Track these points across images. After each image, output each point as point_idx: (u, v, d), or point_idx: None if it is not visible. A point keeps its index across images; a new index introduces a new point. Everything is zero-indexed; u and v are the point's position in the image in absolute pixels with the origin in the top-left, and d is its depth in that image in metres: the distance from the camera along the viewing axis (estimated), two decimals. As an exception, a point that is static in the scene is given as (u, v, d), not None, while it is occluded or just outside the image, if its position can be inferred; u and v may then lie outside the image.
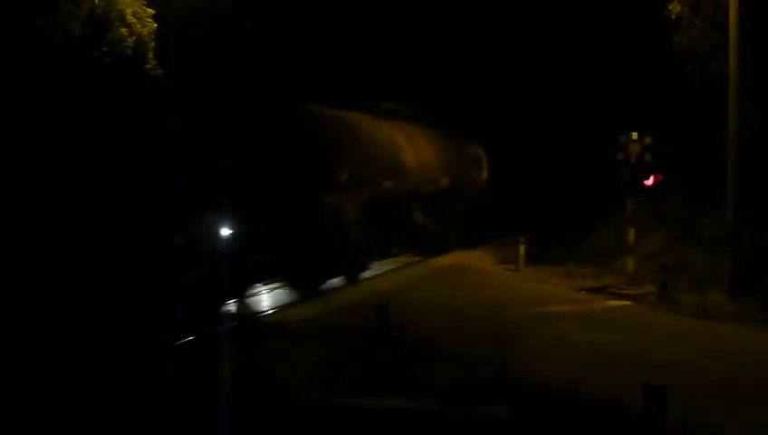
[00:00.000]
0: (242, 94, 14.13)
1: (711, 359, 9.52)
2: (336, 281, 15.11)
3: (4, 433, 6.86)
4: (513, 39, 29.11)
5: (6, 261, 9.96)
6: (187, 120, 12.39)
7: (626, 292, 14.56)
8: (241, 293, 13.11)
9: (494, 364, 8.30)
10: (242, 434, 6.74)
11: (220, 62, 18.04)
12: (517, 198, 27.19)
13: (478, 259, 21.18)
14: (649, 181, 15.07)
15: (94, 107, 11.70)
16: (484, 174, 25.93)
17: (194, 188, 11.39)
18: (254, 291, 14.10)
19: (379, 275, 16.96)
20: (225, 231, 12.15)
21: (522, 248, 18.48)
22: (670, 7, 15.08)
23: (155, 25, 12.82)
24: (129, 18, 12.35)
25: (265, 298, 14.25)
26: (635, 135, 14.84)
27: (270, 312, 12.93)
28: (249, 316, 12.45)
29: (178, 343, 10.01)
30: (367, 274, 16.46)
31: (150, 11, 12.82)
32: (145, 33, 12.63)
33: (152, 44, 12.82)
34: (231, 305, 12.69)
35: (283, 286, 14.36)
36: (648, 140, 14.77)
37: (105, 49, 12.00)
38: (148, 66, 12.77)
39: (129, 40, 12.30)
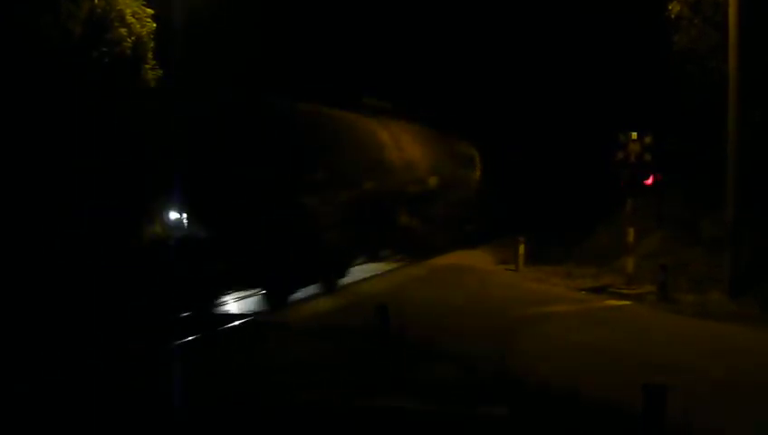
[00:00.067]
0: (198, 89, 13.60)
1: (711, 359, 9.51)
2: (312, 288, 14.18)
3: (5, 433, 6.85)
4: (512, 38, 29.10)
5: (6, 261, 9.96)
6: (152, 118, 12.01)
7: (626, 292, 14.55)
8: (199, 305, 11.90)
9: (494, 364, 8.30)
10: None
11: (220, 62, 18.07)
12: (517, 197, 27.20)
13: (478, 259, 21.19)
14: (649, 181, 15.06)
15: (94, 107, 11.70)
16: (477, 174, 25.22)
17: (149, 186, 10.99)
18: (220, 300, 13.14)
19: (360, 280, 16.05)
20: (178, 234, 11.45)
21: (521, 248, 18.48)
22: (670, 7, 15.08)
23: (154, 25, 12.84)
24: (129, 18, 12.38)
25: (230, 307, 13.39)
26: (634, 134, 14.83)
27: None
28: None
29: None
30: (347, 279, 15.47)
31: (149, 11, 12.85)
32: (144, 33, 12.66)
33: (151, 44, 12.84)
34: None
35: (252, 295, 13.55)
36: (647, 140, 14.77)
37: (104, 49, 12.02)
38: (147, 66, 12.77)
39: (129, 40, 12.32)
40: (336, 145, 15.22)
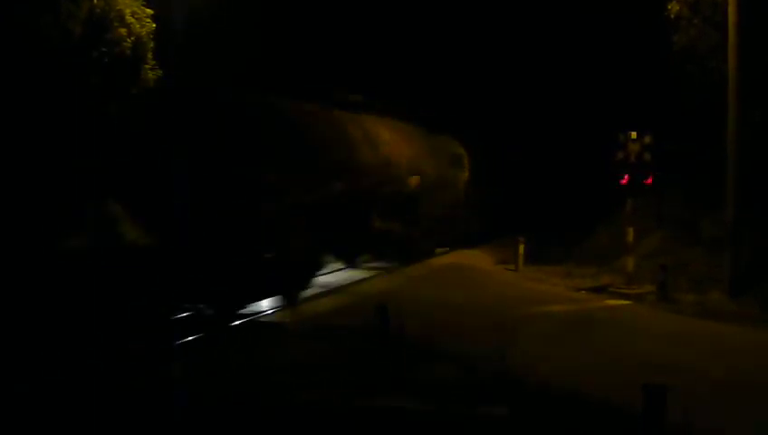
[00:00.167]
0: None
1: (711, 359, 9.52)
2: (266, 303, 12.92)
3: (5, 433, 6.85)
4: (512, 38, 29.10)
5: (6, 261, 9.94)
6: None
7: (626, 291, 14.56)
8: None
9: (494, 364, 8.30)
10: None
11: (220, 62, 18.05)
12: (517, 197, 27.18)
13: (478, 259, 21.20)
14: (649, 181, 15.07)
15: (93, 107, 11.69)
16: (466, 174, 23.70)
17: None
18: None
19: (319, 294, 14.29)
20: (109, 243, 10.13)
21: (521, 248, 18.49)
22: (669, 7, 15.08)
23: (153, 26, 12.82)
24: (128, 18, 12.35)
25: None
26: (634, 134, 14.84)
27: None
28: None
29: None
30: (310, 291, 13.91)
31: (149, 11, 12.82)
32: (144, 33, 12.63)
33: (151, 45, 12.82)
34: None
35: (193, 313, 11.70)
36: (647, 140, 14.78)
37: (104, 49, 11.98)
38: (146, 66, 12.76)
39: (128, 40, 12.29)
40: (295, 142, 13.38)
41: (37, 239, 9.97)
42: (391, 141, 18.25)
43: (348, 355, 9.29)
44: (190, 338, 10.26)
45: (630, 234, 15.09)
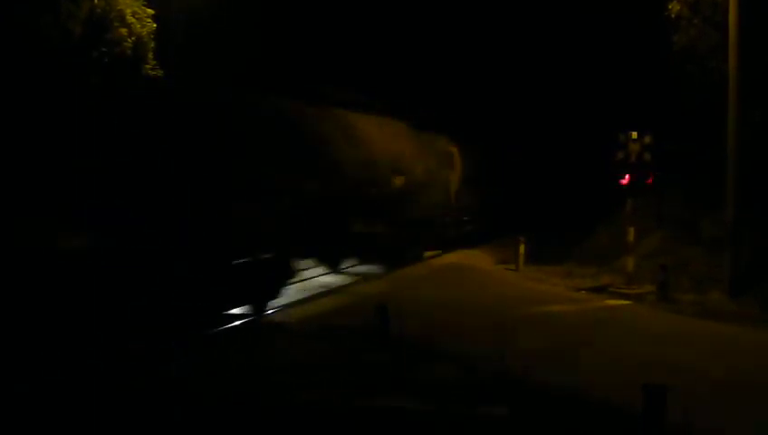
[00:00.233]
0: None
1: (711, 359, 9.52)
2: (235, 312, 11.91)
3: (5, 433, 6.85)
4: (511, 37, 29.14)
5: (6, 261, 9.94)
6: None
7: (626, 291, 14.57)
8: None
9: (494, 364, 8.30)
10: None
11: (220, 62, 18.04)
12: (517, 197, 27.21)
13: (478, 259, 21.21)
14: (649, 181, 15.08)
15: (94, 107, 11.69)
16: (457, 173, 22.60)
17: None
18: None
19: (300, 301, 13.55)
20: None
21: (521, 248, 18.50)
22: (670, 7, 15.09)
23: (154, 26, 12.82)
24: (129, 18, 12.35)
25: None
26: (634, 134, 14.84)
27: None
28: None
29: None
30: (282, 300, 12.97)
31: (150, 11, 12.82)
32: (144, 33, 12.63)
33: (152, 45, 12.81)
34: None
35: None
36: (647, 139, 14.78)
37: (104, 49, 11.98)
38: (147, 66, 12.76)
39: (129, 40, 12.29)
40: (257, 141, 12.31)
41: (37, 239, 9.94)
42: (375, 140, 17.12)
43: (348, 355, 9.28)
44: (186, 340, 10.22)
45: (631, 234, 15.09)
